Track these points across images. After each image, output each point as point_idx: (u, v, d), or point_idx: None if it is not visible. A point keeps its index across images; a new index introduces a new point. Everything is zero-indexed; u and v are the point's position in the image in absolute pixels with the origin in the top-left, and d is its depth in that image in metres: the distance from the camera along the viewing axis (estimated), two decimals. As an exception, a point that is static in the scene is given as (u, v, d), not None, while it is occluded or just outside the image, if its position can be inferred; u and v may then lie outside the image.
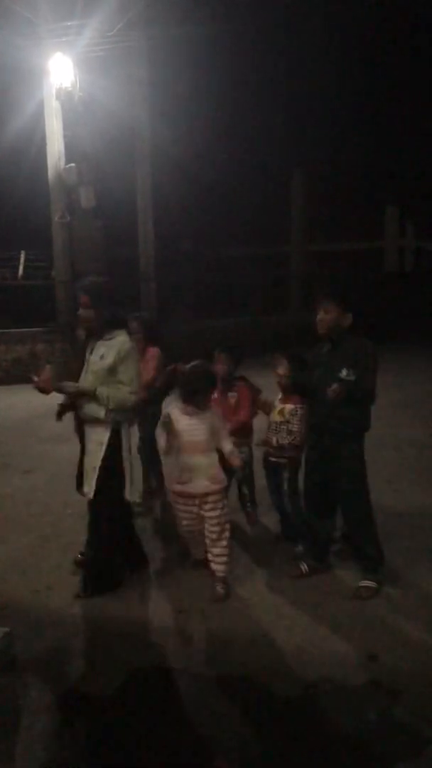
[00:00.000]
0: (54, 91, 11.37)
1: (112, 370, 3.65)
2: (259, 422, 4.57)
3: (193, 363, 3.88)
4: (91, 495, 3.73)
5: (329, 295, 3.72)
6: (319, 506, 3.95)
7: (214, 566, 3.85)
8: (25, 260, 11.90)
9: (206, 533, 3.84)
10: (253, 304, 15.22)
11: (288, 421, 4.18)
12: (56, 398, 3.89)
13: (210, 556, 3.86)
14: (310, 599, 3.74)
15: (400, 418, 7.88)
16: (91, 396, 3.64)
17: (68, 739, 2.76)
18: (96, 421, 3.69)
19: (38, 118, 11.87)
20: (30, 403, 8.52)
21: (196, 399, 3.76)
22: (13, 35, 10.84)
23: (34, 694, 3.04)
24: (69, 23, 10.92)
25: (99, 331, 3.73)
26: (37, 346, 11.45)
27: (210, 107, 13.83)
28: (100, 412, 3.65)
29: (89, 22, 10.86)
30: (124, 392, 3.66)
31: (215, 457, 3.85)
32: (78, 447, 3.90)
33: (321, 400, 3.67)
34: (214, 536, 3.81)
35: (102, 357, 3.67)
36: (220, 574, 3.82)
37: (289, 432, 4.17)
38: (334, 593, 3.81)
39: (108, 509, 3.77)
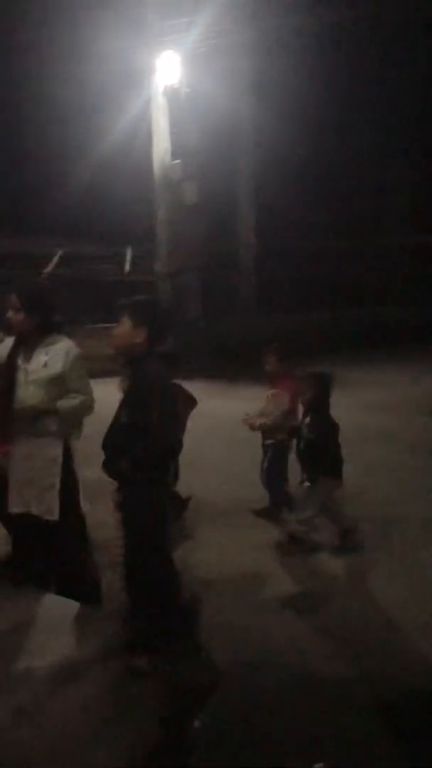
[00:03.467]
0: (161, 89, 11.57)
1: (59, 379, 3.34)
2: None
3: None
4: (56, 515, 3.34)
5: (123, 304, 3.07)
6: None
7: None
8: (131, 256, 12.22)
9: None
10: (354, 297, 14.92)
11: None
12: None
13: None
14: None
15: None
16: (52, 414, 3.32)
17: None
18: (44, 435, 3.36)
19: (143, 116, 12.12)
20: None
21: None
22: (124, 37, 11.11)
23: (142, 682, 3.08)
24: (176, 21, 11.07)
25: (34, 337, 3.40)
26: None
27: (313, 99, 13.65)
28: (52, 426, 3.35)
29: (197, 19, 10.96)
30: (86, 402, 3.37)
31: None
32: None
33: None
34: None
35: (45, 365, 3.34)
36: None
37: (265, 414, 4.48)
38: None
39: (74, 526, 3.45)
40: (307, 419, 4.22)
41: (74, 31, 12.87)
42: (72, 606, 3.55)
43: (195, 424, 6.60)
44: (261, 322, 12.37)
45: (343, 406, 7.34)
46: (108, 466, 3.02)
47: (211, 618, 3.33)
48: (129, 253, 12.15)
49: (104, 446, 3.06)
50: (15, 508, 3.40)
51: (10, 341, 3.50)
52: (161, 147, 11.82)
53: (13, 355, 3.42)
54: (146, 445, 2.86)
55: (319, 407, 4.18)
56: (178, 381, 3.91)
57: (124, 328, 3.02)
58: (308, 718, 2.77)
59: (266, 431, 4.58)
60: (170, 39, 11.44)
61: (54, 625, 3.45)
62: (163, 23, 11.43)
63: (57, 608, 3.55)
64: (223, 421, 6.77)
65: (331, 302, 14.40)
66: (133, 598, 3.15)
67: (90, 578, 3.55)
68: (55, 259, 12.66)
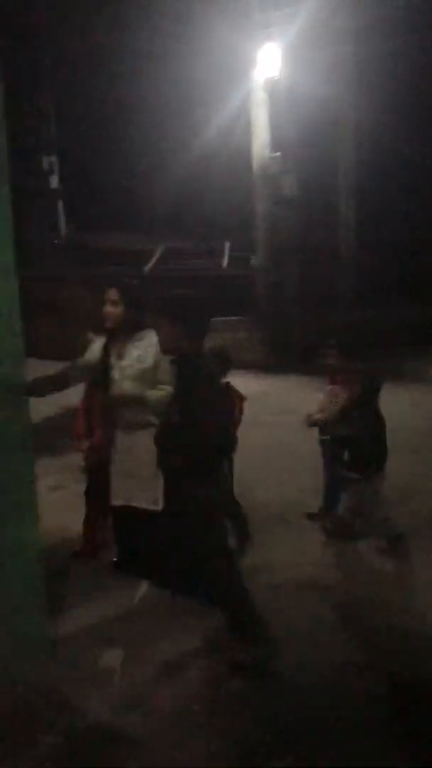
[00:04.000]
0: (261, 82, 11.54)
1: (150, 372, 3.42)
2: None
3: None
4: (159, 505, 3.38)
5: (158, 305, 3.17)
6: None
7: None
8: (229, 251, 12.31)
9: None
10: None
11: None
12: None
13: None
14: None
15: None
16: (139, 402, 3.38)
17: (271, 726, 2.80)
18: (143, 427, 3.42)
19: (242, 110, 12.15)
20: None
21: None
22: (225, 30, 11.18)
23: (244, 677, 3.13)
24: (280, 12, 10.99)
25: (124, 333, 3.50)
26: (238, 335, 11.77)
27: (417, 88, 13.13)
28: (149, 418, 3.41)
29: (300, 8, 10.84)
30: (172, 393, 3.41)
31: None
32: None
33: None
34: None
35: (139, 359, 3.44)
36: None
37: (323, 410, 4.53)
38: None
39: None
40: (355, 414, 4.28)
41: (178, 26, 13.13)
42: (175, 597, 3.60)
43: (282, 420, 6.64)
44: (360, 316, 12.11)
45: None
46: (160, 463, 3.07)
47: (285, 621, 3.33)
48: (227, 248, 12.24)
49: (156, 443, 3.12)
50: (117, 500, 3.51)
51: (99, 342, 3.63)
52: (260, 140, 11.79)
53: (106, 352, 3.55)
54: (194, 442, 2.88)
55: (366, 403, 4.22)
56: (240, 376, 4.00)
57: (163, 330, 3.07)
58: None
59: (323, 427, 4.59)
60: (273, 31, 11.38)
61: (158, 616, 3.54)
62: (267, 14, 11.39)
63: (160, 599, 3.62)
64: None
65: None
66: (223, 601, 3.19)
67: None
68: (157, 255, 13.00)
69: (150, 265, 13.00)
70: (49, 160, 15.55)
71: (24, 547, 2.39)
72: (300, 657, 3.20)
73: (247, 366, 8.05)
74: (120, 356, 3.50)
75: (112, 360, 3.52)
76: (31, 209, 14.17)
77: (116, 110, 14.69)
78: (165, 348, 3.08)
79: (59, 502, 4.99)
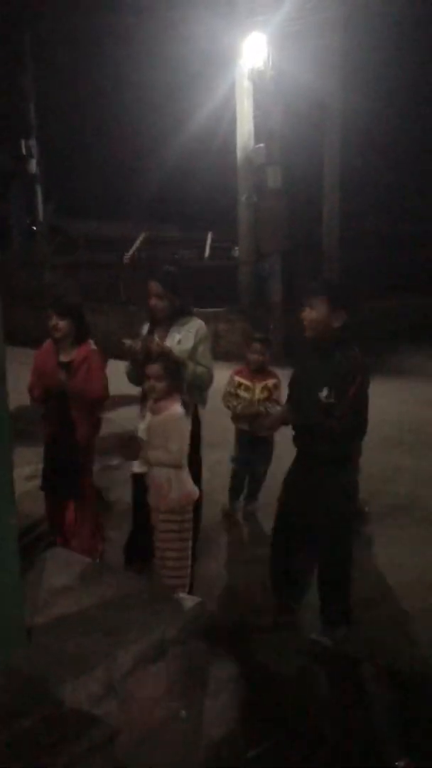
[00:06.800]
0: (246, 71, 11.41)
1: (190, 354, 3.62)
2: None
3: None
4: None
5: (317, 288, 3.24)
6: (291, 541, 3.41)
7: None
8: (211, 241, 12.21)
9: None
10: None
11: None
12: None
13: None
14: None
15: None
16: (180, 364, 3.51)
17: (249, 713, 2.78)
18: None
19: (228, 99, 12.02)
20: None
21: None
22: (211, 17, 11.04)
23: (221, 665, 3.11)
24: (266, 0, 10.86)
25: (170, 319, 3.70)
26: (219, 326, 11.71)
27: (404, 78, 13.12)
28: (183, 397, 3.55)
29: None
30: (207, 373, 3.68)
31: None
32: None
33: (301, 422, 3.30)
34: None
35: (179, 342, 3.62)
36: None
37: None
38: None
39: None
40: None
41: (164, 14, 12.94)
42: (156, 585, 3.60)
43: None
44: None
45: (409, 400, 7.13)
46: (309, 446, 3.21)
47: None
48: (209, 238, 12.14)
49: (300, 427, 3.26)
50: (137, 469, 3.74)
51: (145, 328, 3.86)
52: (245, 130, 11.69)
53: (149, 335, 3.75)
54: (344, 425, 3.00)
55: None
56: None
57: (322, 311, 3.14)
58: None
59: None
60: (259, 20, 11.24)
61: (138, 604, 3.50)
62: (253, 3, 11.25)
63: (141, 586, 3.60)
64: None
65: (418, 288, 13.89)
66: (330, 587, 3.27)
67: None
68: (137, 243, 12.85)
69: (129, 252, 12.85)
70: (28, 144, 15.27)
71: (1, 537, 2.30)
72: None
73: (227, 357, 8.03)
74: (162, 339, 3.67)
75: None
76: (9, 193, 13.91)
77: (99, 96, 14.48)
78: (316, 331, 3.21)
79: (36, 492, 4.89)
